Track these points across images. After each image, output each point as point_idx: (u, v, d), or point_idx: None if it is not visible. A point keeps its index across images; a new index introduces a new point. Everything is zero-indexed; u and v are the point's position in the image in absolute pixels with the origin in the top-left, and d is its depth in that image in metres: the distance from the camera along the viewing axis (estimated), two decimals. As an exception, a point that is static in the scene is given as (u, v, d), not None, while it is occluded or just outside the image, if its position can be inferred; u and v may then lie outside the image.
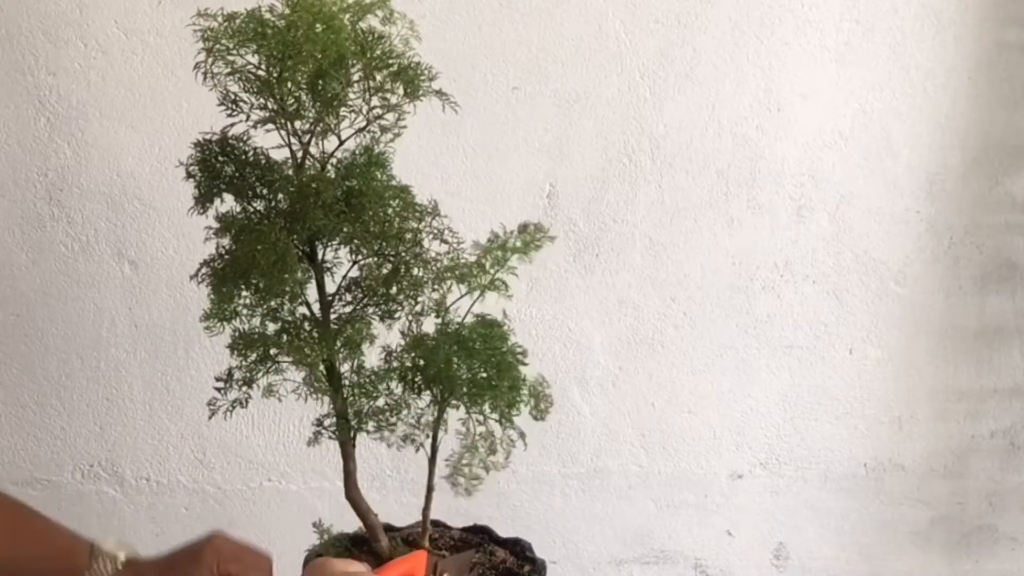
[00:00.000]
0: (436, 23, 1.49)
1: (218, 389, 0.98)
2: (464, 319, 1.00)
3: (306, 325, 0.97)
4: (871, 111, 1.57)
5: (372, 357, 1.01)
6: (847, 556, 1.73)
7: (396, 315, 0.98)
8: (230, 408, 0.98)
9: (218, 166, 0.95)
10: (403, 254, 0.95)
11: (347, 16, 0.89)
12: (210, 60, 0.87)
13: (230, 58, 0.87)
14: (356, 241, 0.94)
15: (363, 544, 1.06)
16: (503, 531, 1.13)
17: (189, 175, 0.96)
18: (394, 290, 0.96)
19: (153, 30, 1.46)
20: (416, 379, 0.98)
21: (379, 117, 0.93)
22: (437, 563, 0.97)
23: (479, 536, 1.12)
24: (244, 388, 0.98)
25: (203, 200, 0.96)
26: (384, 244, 0.94)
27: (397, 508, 1.18)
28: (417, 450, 1.01)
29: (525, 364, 0.98)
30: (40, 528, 1.01)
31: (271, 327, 0.97)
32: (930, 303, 1.64)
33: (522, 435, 0.98)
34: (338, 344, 0.97)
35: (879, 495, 1.71)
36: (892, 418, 1.68)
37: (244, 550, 1.00)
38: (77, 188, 1.51)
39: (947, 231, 1.62)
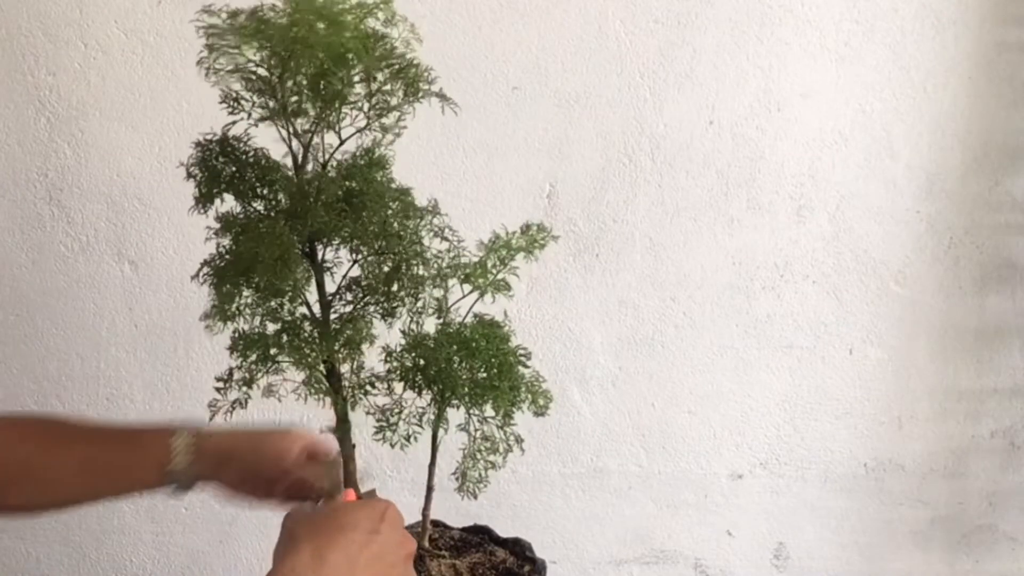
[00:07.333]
0: (436, 24, 1.49)
1: (218, 389, 0.98)
2: (465, 319, 1.00)
3: (306, 325, 0.97)
4: (871, 111, 1.57)
5: (372, 357, 1.01)
6: (847, 556, 1.74)
7: (397, 313, 0.98)
8: (230, 409, 0.98)
9: (218, 166, 0.95)
10: (403, 251, 0.95)
11: (350, 16, 0.89)
12: (213, 56, 0.87)
13: (231, 53, 0.86)
14: (356, 240, 0.94)
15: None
16: (503, 531, 1.13)
17: (189, 175, 0.96)
18: (395, 288, 0.96)
19: (153, 30, 1.46)
20: (417, 378, 0.98)
21: (379, 116, 0.93)
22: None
23: (479, 536, 1.12)
24: (244, 388, 0.98)
25: (203, 200, 0.96)
26: (384, 242, 0.94)
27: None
28: (416, 440, 1.01)
29: (528, 366, 0.98)
30: (121, 428, 1.06)
31: (271, 327, 0.97)
32: (930, 303, 1.64)
33: (519, 440, 0.98)
34: (338, 344, 0.96)
35: (879, 495, 1.71)
36: (892, 418, 1.68)
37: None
38: (77, 188, 1.50)
39: (947, 231, 1.62)
